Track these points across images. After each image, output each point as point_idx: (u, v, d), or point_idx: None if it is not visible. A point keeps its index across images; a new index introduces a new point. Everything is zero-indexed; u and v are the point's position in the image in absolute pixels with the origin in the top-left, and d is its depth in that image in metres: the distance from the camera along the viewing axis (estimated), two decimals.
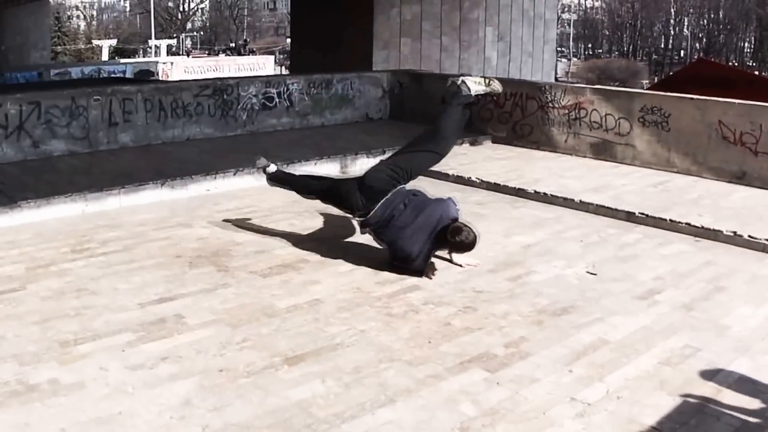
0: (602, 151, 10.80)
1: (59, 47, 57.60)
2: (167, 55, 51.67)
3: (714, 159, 9.59)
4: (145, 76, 34.38)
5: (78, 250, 6.71)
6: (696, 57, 60.70)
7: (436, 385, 4.33)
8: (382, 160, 6.80)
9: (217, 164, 9.47)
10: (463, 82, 6.78)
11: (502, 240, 7.24)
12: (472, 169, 10.06)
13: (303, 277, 6.13)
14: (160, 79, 34.51)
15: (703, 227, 7.44)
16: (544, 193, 8.77)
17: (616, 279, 6.19)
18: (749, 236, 7.13)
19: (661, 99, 10.28)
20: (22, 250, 6.66)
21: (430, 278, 6.08)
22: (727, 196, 8.76)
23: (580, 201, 8.43)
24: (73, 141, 9.99)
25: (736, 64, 61.82)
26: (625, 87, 29.82)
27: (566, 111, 11.18)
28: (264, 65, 45.45)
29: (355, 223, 6.74)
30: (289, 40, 43.80)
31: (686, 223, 7.56)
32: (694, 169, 9.79)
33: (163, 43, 56.36)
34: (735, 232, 7.22)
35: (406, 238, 6.07)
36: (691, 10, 72.86)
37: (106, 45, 56.70)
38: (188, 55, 58.34)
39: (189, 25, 78.04)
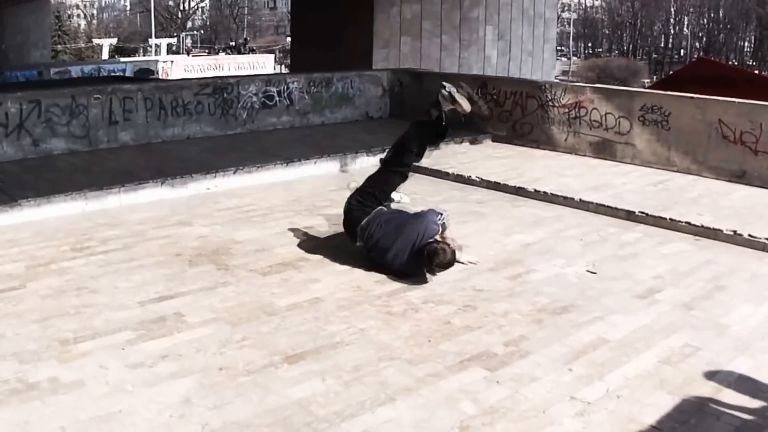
0: (602, 149, 10.80)
1: (60, 46, 57.57)
2: (167, 53, 51.60)
3: (714, 158, 9.59)
4: (145, 74, 34.37)
5: (78, 248, 6.71)
6: (696, 56, 60.70)
7: (436, 383, 4.33)
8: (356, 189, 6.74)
9: (217, 163, 9.47)
10: (450, 94, 6.72)
11: (502, 239, 7.24)
12: (473, 167, 10.06)
13: (303, 275, 6.12)
14: (160, 77, 34.49)
15: (703, 226, 7.44)
16: (544, 192, 8.77)
17: (616, 278, 6.19)
18: (749, 235, 7.13)
19: (661, 98, 10.27)
20: (22, 249, 6.66)
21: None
22: (727, 195, 8.76)
23: (580, 200, 8.43)
24: (73, 139, 10.00)
25: (736, 63, 61.83)
26: (625, 86, 29.80)
27: (566, 110, 11.18)
28: (264, 64, 45.39)
29: None
30: (289, 39, 43.73)
31: (686, 222, 7.56)
32: (694, 168, 9.79)
33: (164, 42, 56.26)
34: (735, 231, 7.22)
35: (389, 261, 6.09)
36: (691, 10, 72.87)
37: (107, 44, 56.65)
38: (188, 54, 58.27)
39: (189, 24, 78.00)
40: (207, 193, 8.84)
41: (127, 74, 33.40)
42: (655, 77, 54.73)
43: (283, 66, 52.09)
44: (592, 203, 8.31)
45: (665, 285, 6.04)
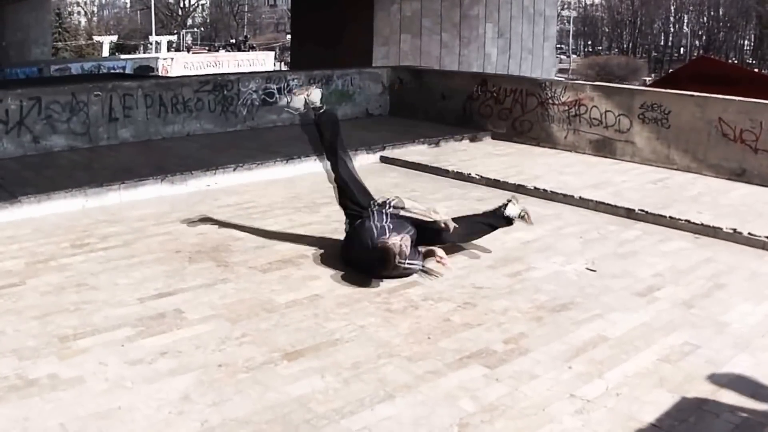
0: (602, 147, 10.80)
1: (60, 43, 57.48)
2: (168, 51, 51.56)
3: (714, 156, 9.59)
4: (145, 71, 34.34)
5: (78, 245, 6.71)
6: (696, 54, 60.67)
7: (436, 380, 4.33)
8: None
9: (217, 160, 9.47)
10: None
11: (501, 236, 7.22)
12: (472, 165, 10.06)
13: (302, 272, 6.12)
14: (160, 74, 34.47)
15: (702, 224, 7.44)
16: (544, 190, 8.77)
17: (615, 275, 6.19)
18: (749, 233, 7.13)
19: (661, 96, 10.27)
20: (22, 245, 6.66)
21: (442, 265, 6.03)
22: (727, 194, 8.76)
23: (580, 197, 8.43)
24: (73, 136, 10.00)
25: (736, 61, 61.76)
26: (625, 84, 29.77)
27: (566, 108, 11.18)
28: (264, 61, 45.36)
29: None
30: (289, 37, 43.72)
31: (686, 220, 7.56)
32: (693, 166, 9.80)
33: (164, 40, 56.23)
34: (735, 230, 7.22)
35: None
36: (691, 8, 72.78)
37: (107, 41, 56.60)
38: (189, 51, 58.25)
39: (189, 21, 77.94)
40: (207, 190, 8.84)
41: (128, 71, 33.37)
42: (653, 75, 54.68)
43: (283, 63, 52.01)
44: (591, 201, 8.31)
45: (665, 283, 6.04)
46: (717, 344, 4.89)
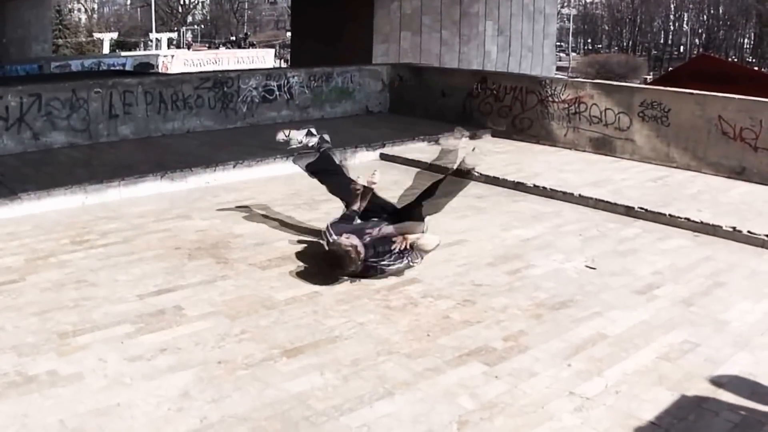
0: (602, 145, 10.80)
1: (60, 40, 57.38)
2: (168, 48, 51.54)
3: (713, 154, 9.59)
4: (146, 68, 34.29)
5: (78, 241, 6.71)
6: (695, 53, 60.62)
7: (435, 378, 4.33)
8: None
9: (216, 156, 9.47)
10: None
11: (501, 233, 7.24)
12: None
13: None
14: (160, 71, 34.44)
15: (702, 222, 7.44)
16: (544, 187, 8.77)
17: (615, 273, 6.19)
18: (748, 232, 7.13)
19: (661, 94, 10.27)
20: (22, 242, 6.66)
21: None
22: (727, 192, 8.76)
23: (580, 195, 8.43)
24: (73, 133, 10.00)
25: (736, 60, 61.69)
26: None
27: (566, 105, 11.18)
28: (264, 58, 45.33)
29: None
30: (289, 34, 43.67)
31: (685, 218, 7.56)
32: (693, 164, 9.79)
33: (164, 37, 56.22)
34: (734, 228, 7.22)
35: None
36: (691, 6, 72.74)
37: (107, 38, 56.59)
38: (189, 48, 58.18)
39: (189, 19, 77.85)
40: (207, 187, 8.84)
41: (128, 68, 33.33)
42: (652, 74, 54.62)
43: (283, 60, 51.97)
44: (591, 199, 8.31)
45: (664, 281, 6.04)
46: (716, 342, 4.89)
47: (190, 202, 8.13)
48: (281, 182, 9.12)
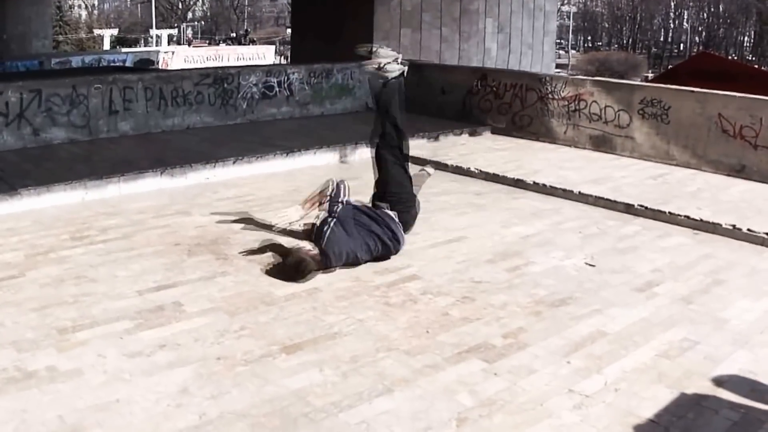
0: (602, 143, 10.80)
1: (61, 36, 57.34)
2: (168, 44, 51.50)
3: (713, 152, 9.59)
4: (146, 65, 34.29)
5: (77, 237, 6.71)
6: (695, 51, 60.61)
7: (434, 375, 4.33)
8: None
9: (216, 153, 9.46)
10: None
11: (500, 230, 7.23)
12: (472, 159, 10.06)
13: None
14: (161, 68, 34.43)
15: (702, 220, 7.44)
16: (543, 185, 8.77)
17: (614, 271, 6.19)
18: (748, 230, 7.13)
19: (661, 91, 10.27)
20: (22, 238, 6.66)
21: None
22: (726, 190, 8.76)
23: (579, 192, 8.43)
24: (73, 129, 9.99)
25: (736, 58, 61.70)
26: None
27: (566, 102, 11.17)
28: (264, 55, 45.31)
29: None
30: (289, 31, 43.66)
31: (685, 216, 7.56)
32: (693, 162, 9.79)
33: (164, 33, 56.19)
34: (734, 226, 7.22)
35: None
36: (691, 4, 72.74)
37: (108, 34, 56.57)
38: (189, 45, 58.16)
39: (190, 15, 77.79)
40: (206, 183, 8.84)
41: (128, 64, 33.32)
42: (652, 72, 54.61)
43: (283, 57, 51.95)
44: (591, 196, 8.31)
45: (664, 278, 6.05)
46: (716, 340, 4.89)
47: (190, 198, 8.13)
48: (281, 178, 9.11)
